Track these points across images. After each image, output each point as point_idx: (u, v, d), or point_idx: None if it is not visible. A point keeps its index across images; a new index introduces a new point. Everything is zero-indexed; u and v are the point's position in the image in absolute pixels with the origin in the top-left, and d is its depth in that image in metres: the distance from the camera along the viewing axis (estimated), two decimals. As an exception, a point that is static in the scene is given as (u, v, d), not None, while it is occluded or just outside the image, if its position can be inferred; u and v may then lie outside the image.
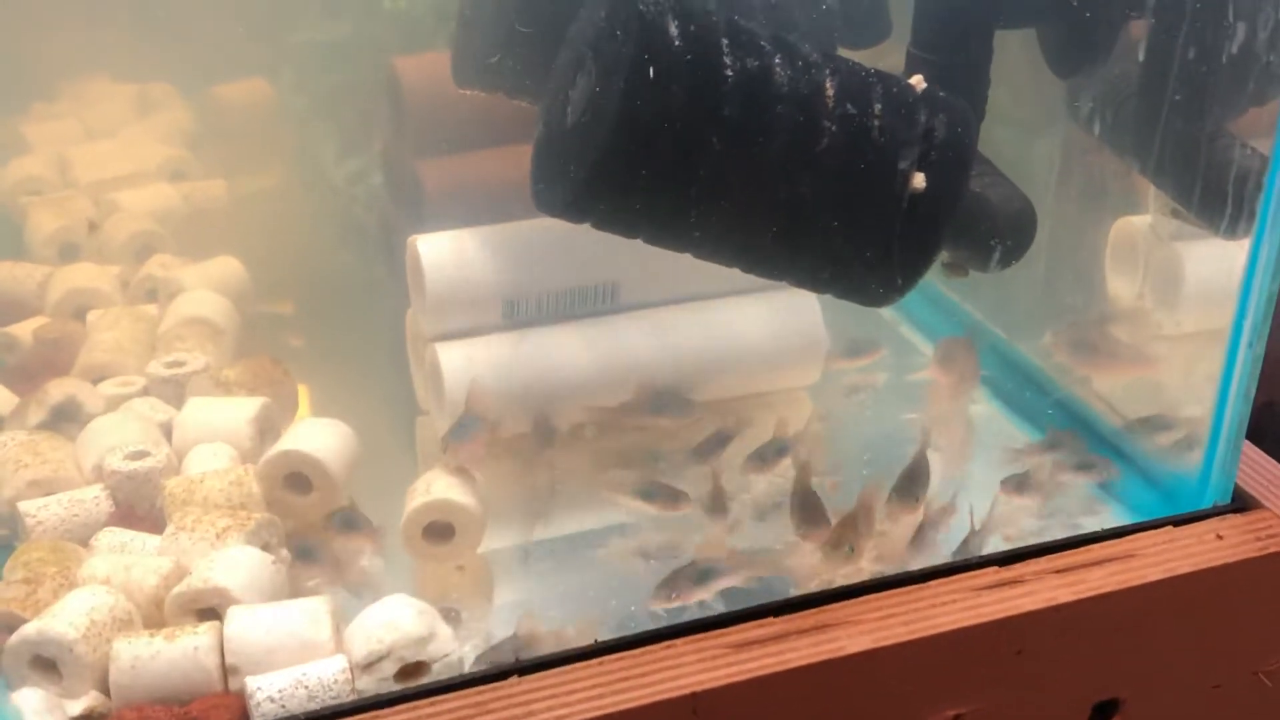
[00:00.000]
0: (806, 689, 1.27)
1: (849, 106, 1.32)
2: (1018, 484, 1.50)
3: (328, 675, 1.24)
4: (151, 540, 1.40)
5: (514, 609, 1.37)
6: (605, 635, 1.29)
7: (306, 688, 1.23)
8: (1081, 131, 1.56)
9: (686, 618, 1.32)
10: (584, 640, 1.29)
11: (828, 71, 1.32)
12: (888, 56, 1.53)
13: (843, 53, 1.42)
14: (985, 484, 1.51)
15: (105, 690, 1.25)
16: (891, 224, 1.34)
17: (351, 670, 1.25)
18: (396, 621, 1.28)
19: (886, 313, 1.84)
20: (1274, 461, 1.53)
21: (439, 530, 1.43)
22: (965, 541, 1.43)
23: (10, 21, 1.82)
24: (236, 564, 1.32)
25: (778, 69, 1.30)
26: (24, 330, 1.73)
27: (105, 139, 2.00)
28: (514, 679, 1.24)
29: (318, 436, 1.49)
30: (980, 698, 1.35)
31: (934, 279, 1.48)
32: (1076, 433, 1.59)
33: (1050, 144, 1.64)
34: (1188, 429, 1.52)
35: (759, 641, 1.28)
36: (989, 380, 1.70)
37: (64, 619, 1.25)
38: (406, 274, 1.57)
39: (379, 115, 1.75)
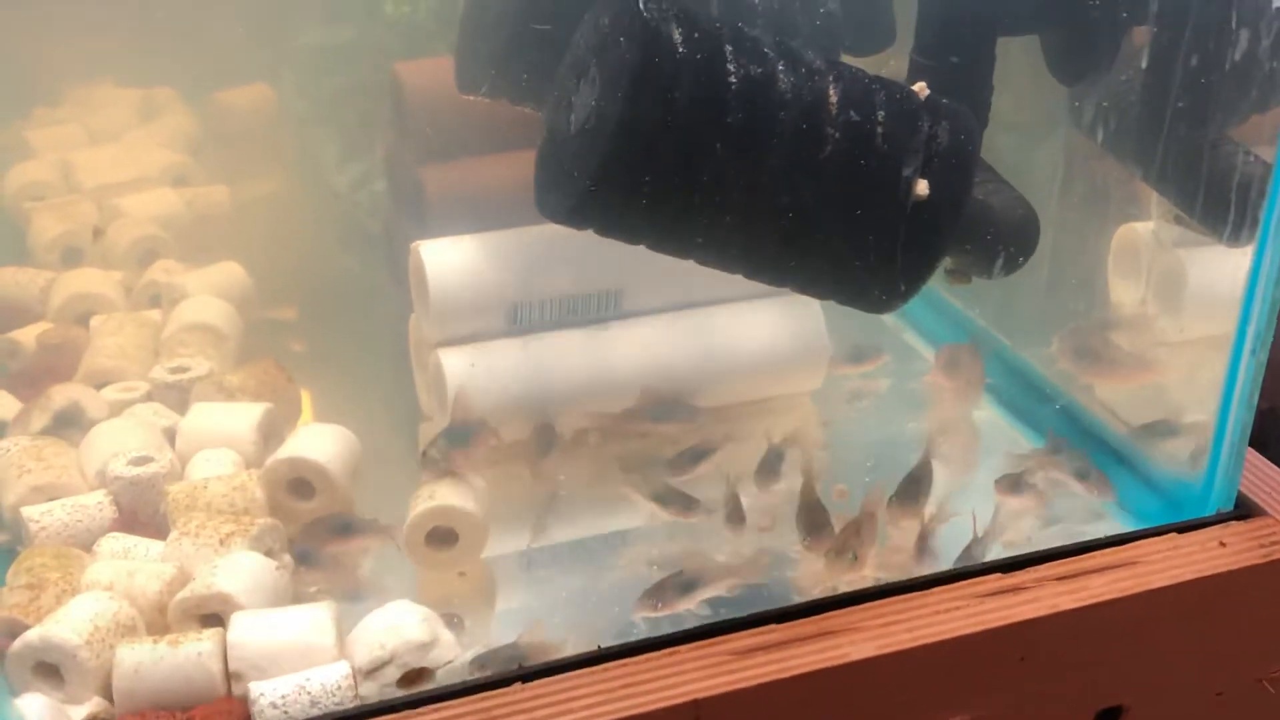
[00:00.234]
0: (809, 696, 1.27)
1: (852, 113, 1.32)
2: (1011, 484, 1.50)
3: (331, 681, 1.24)
4: (155, 546, 1.40)
5: (516, 615, 1.37)
6: (608, 642, 1.29)
7: (310, 693, 1.23)
8: (1084, 138, 1.56)
9: (689, 625, 1.32)
10: (586, 647, 1.29)
11: (831, 78, 1.32)
12: (891, 63, 1.53)
13: (846, 59, 1.42)
14: (989, 491, 1.51)
15: (108, 696, 1.25)
16: (894, 231, 1.34)
17: (354, 676, 1.25)
18: (400, 627, 1.28)
19: (889, 319, 1.83)
20: (1277, 468, 1.53)
21: (442, 536, 1.43)
22: (968, 548, 1.43)
23: (14, 26, 1.82)
24: (240, 569, 1.32)
25: (781, 76, 1.30)
26: (27, 335, 1.72)
27: (108, 144, 2.00)
28: (517, 685, 1.24)
29: (321, 442, 1.49)
30: (983, 705, 1.35)
31: (937, 285, 1.47)
32: (1073, 447, 1.58)
33: (1053, 150, 1.64)
34: (1191, 436, 1.52)
35: (762, 648, 1.28)
36: (992, 387, 1.70)
37: (67, 625, 1.25)
38: (409, 279, 1.57)
39: (381, 120, 1.75)
